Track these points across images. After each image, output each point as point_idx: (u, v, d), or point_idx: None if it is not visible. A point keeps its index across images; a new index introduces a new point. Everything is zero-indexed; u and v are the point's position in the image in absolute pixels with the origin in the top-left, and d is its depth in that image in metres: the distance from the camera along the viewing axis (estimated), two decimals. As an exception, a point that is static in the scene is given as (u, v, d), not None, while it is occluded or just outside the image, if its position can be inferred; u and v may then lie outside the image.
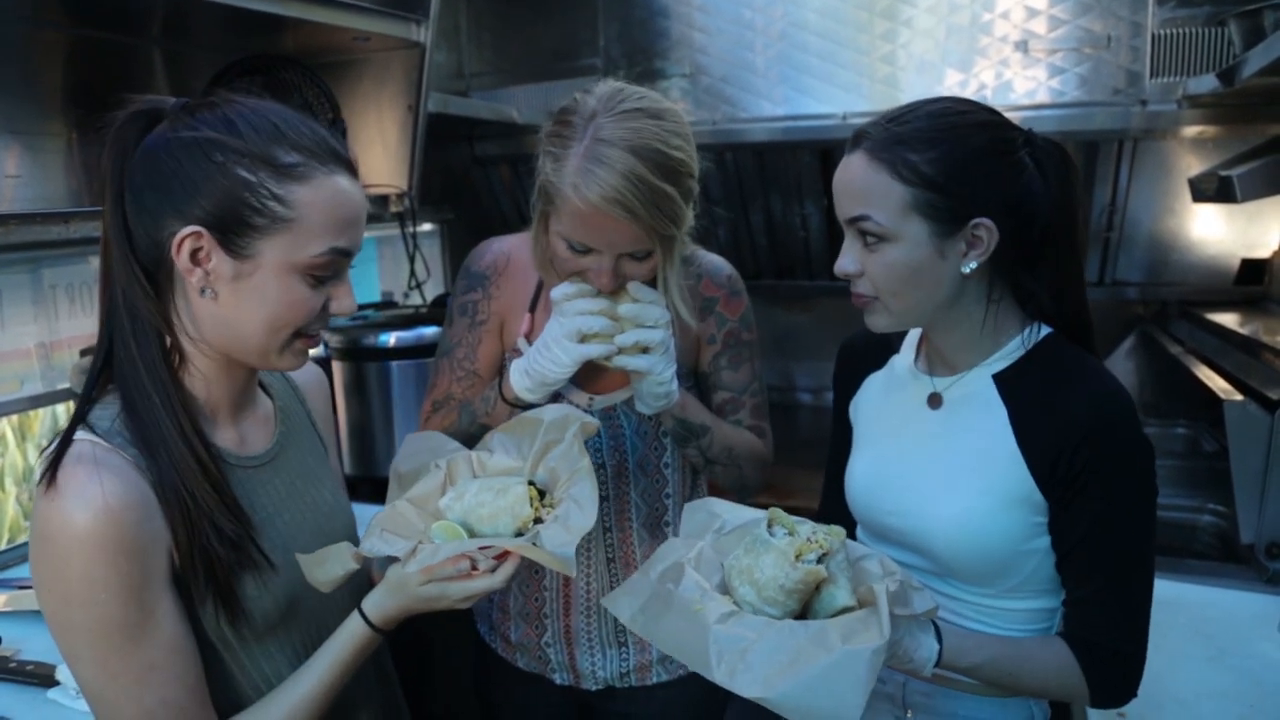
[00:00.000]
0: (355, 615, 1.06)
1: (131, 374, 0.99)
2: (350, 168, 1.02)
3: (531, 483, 1.14)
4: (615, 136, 1.18)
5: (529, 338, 1.47)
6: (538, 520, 1.08)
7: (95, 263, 2.18)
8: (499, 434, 1.24)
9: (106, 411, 1.00)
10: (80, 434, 0.97)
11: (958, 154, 1.07)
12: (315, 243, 0.98)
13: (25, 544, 2.11)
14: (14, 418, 2.22)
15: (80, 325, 2.14)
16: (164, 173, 0.96)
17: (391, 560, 1.06)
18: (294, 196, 0.97)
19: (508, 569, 1.05)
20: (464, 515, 1.10)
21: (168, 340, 1.01)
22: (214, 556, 0.99)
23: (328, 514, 1.18)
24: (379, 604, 1.06)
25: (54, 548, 0.92)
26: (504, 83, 3.32)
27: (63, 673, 1.44)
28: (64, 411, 2.37)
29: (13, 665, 1.50)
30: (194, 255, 0.97)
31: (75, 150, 2.06)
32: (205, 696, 0.99)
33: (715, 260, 1.51)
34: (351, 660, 1.06)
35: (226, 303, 0.99)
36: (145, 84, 2.22)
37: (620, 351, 1.28)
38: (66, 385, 2.08)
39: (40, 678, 1.47)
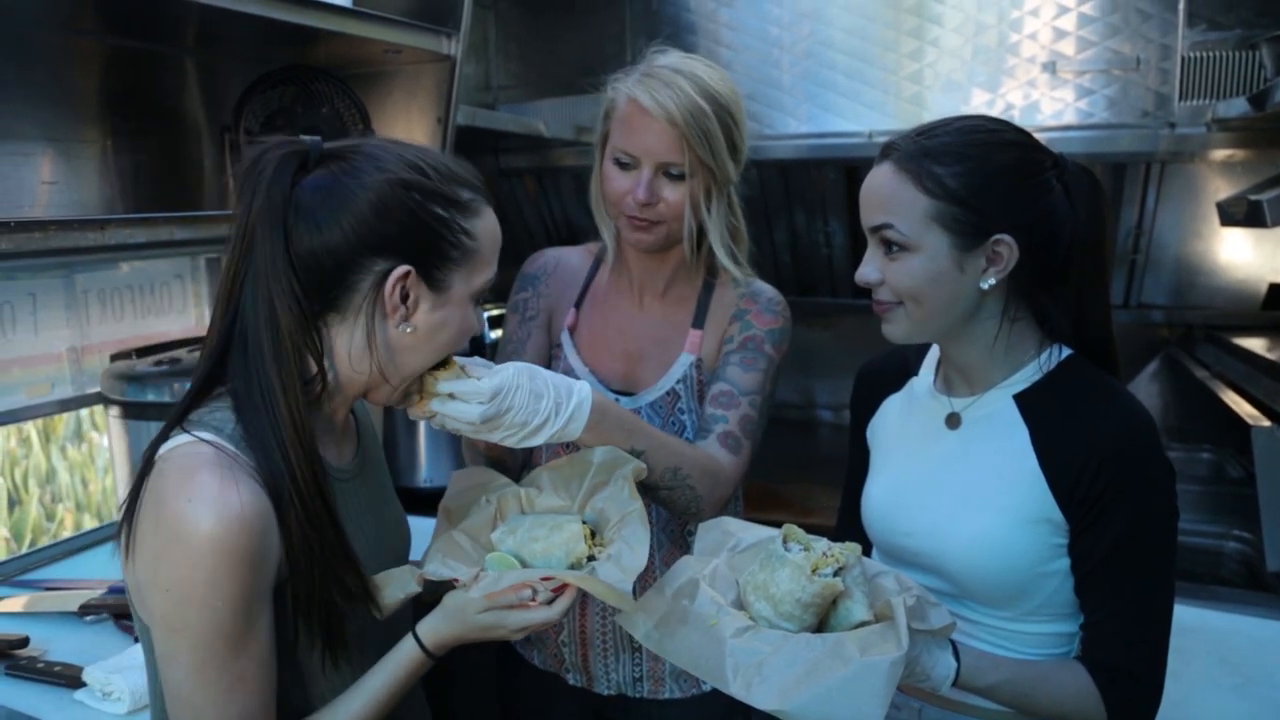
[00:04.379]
0: (409, 639, 1.07)
1: (266, 404, 0.99)
2: (489, 198, 1.12)
3: (584, 521, 1.15)
4: (667, 63, 1.39)
5: (572, 330, 1.54)
6: (590, 558, 1.09)
7: (127, 268, 2.21)
8: (547, 472, 1.25)
9: (223, 415, 1.00)
10: (206, 434, 0.97)
11: (983, 170, 1.09)
12: (486, 270, 1.09)
13: (50, 546, 2.13)
14: (39, 421, 2.25)
15: (111, 330, 2.17)
16: (359, 212, 1.00)
17: (447, 587, 1.07)
18: (476, 230, 1.07)
19: (564, 602, 1.06)
20: (516, 549, 1.11)
21: (314, 368, 1.03)
22: (332, 607, 1.01)
23: (395, 527, 1.21)
24: (434, 629, 1.07)
25: (182, 550, 0.92)
26: (531, 96, 3.35)
27: (89, 674, 1.45)
28: (87, 415, 2.39)
29: (40, 666, 1.52)
30: (402, 292, 1.03)
31: (110, 157, 2.09)
32: (274, 708, 1.00)
33: (766, 287, 1.54)
34: (404, 682, 1.07)
35: (421, 332, 1.06)
36: (179, 93, 2.25)
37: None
38: (96, 389, 2.10)
39: (67, 678, 1.48)
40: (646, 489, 1.30)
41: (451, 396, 1.11)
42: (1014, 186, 1.10)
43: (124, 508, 0.99)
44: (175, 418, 1.02)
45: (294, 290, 1.00)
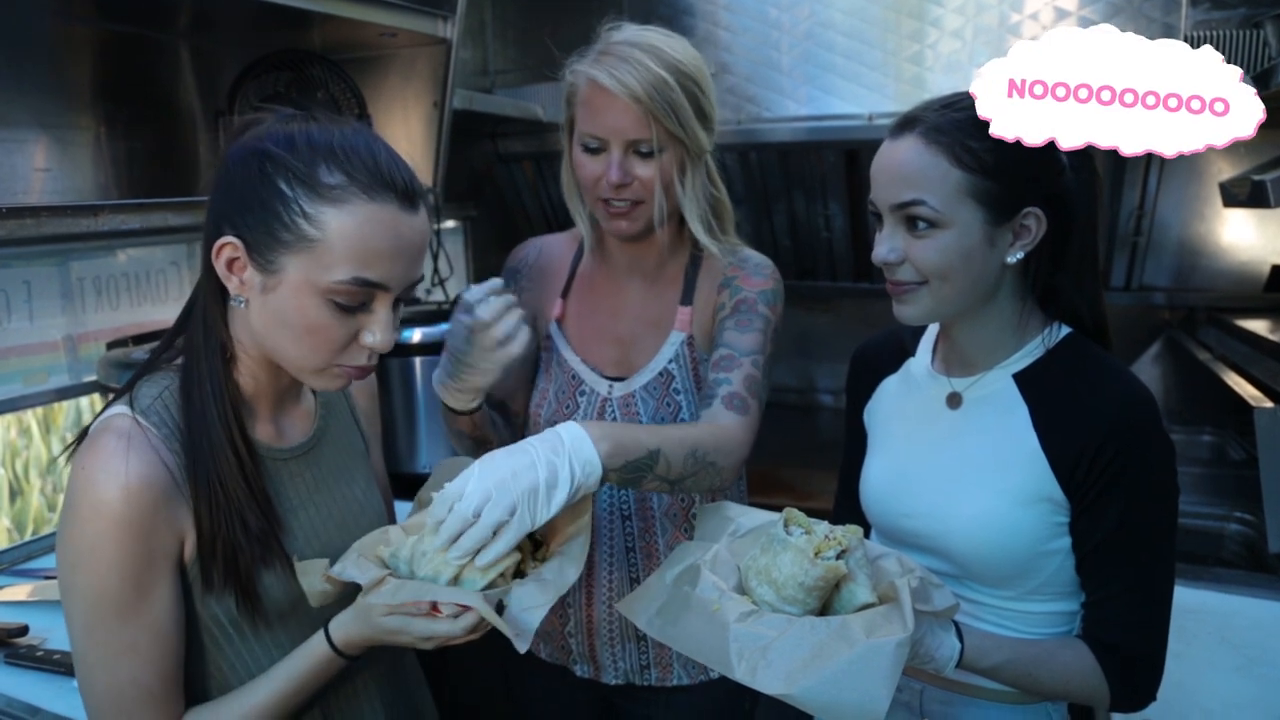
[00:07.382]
0: (320, 634, 1.06)
1: (194, 362, 1.04)
2: (408, 200, 0.99)
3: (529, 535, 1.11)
4: (623, 39, 1.37)
5: (560, 322, 1.52)
6: (520, 573, 1.06)
7: (123, 256, 2.20)
8: None
9: (152, 389, 1.04)
10: (121, 408, 1.01)
11: (1015, 144, 1.06)
12: (337, 269, 0.96)
13: (50, 535, 2.13)
14: (38, 410, 2.24)
15: (107, 318, 2.16)
16: (224, 181, 1.00)
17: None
18: (323, 218, 0.96)
19: (468, 620, 0.99)
20: None
21: (229, 343, 1.06)
22: (237, 547, 1.02)
23: (356, 511, 1.19)
24: (344, 626, 1.04)
25: (73, 513, 0.97)
26: (528, 80, 3.33)
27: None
28: (88, 405, 2.39)
29: (40, 654, 1.52)
30: (230, 264, 1.00)
31: (104, 144, 2.09)
32: (178, 684, 1.02)
33: (753, 253, 1.51)
34: (309, 677, 1.05)
35: (255, 314, 1.02)
36: (173, 79, 2.24)
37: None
38: (93, 378, 2.09)
39: (66, 666, 1.47)
40: (671, 483, 1.23)
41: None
42: (1039, 160, 1.08)
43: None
44: (124, 388, 1.06)
45: (207, 260, 1.03)
